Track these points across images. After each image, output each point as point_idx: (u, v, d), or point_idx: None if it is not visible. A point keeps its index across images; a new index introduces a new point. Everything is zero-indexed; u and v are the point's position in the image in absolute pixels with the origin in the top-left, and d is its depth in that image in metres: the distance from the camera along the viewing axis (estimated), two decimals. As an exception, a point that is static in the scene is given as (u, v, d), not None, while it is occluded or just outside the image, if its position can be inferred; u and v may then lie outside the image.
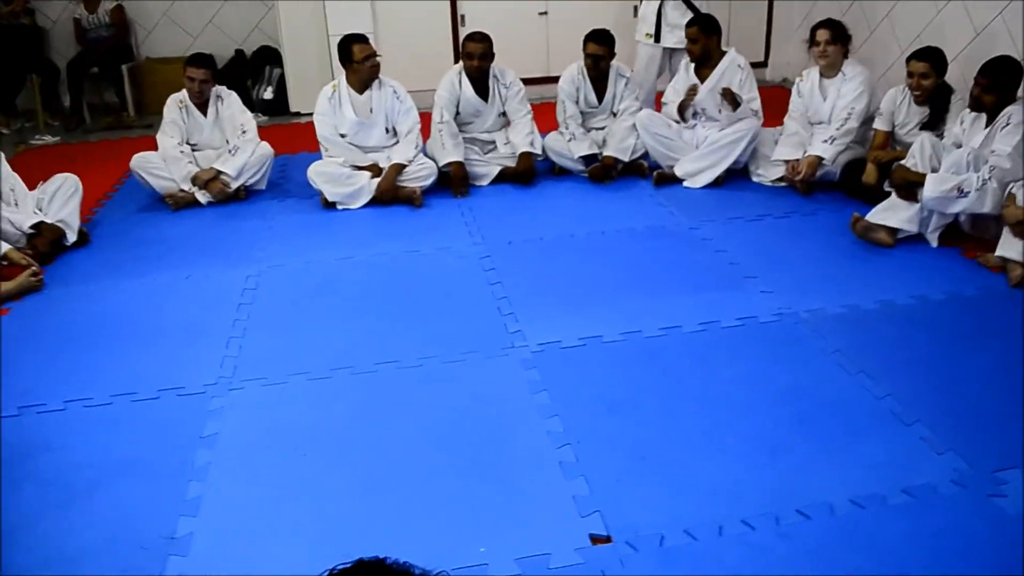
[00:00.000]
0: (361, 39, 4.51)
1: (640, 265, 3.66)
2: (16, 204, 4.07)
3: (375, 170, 4.57)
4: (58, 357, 3.17)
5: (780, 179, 4.41)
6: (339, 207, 4.53)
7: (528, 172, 4.69)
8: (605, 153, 4.67)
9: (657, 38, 5.18)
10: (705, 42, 4.45)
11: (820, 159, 4.19)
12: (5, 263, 3.75)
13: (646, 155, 4.73)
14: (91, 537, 2.20)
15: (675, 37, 5.07)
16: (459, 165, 4.62)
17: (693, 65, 4.58)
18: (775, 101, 5.18)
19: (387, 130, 4.64)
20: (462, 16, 6.35)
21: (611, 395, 2.71)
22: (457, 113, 4.74)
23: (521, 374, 2.86)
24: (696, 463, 2.36)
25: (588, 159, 4.70)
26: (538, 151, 4.70)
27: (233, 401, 2.82)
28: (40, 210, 4.11)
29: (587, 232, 4.03)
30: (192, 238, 4.27)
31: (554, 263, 3.74)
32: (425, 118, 4.72)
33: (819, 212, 4.09)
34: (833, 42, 4.17)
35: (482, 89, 4.72)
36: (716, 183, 4.49)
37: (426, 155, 4.71)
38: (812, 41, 4.24)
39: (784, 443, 2.42)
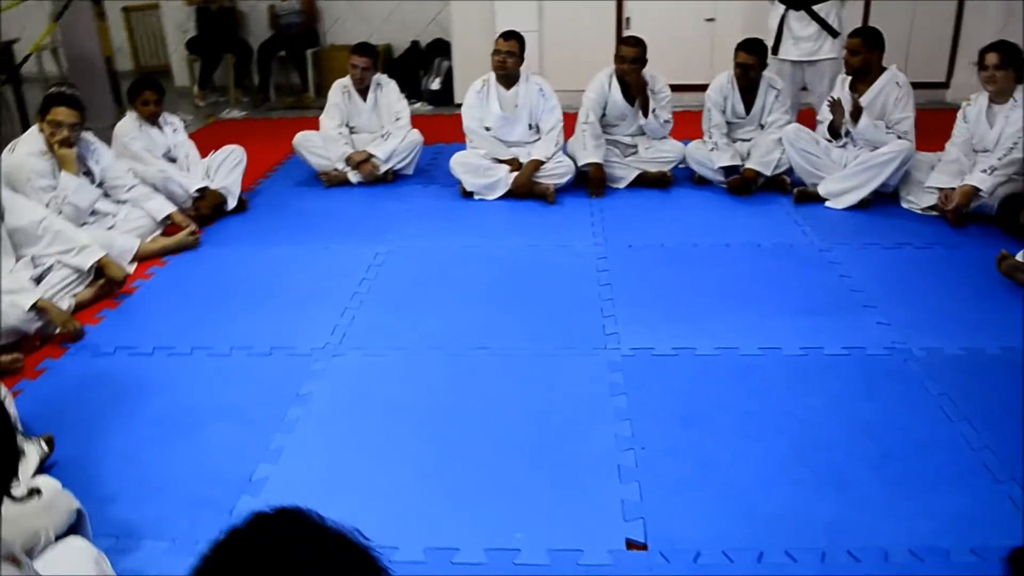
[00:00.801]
0: (504, 35, 4.64)
1: (756, 282, 3.55)
2: (188, 169, 4.52)
3: (515, 164, 4.70)
4: (196, 308, 3.52)
5: (931, 207, 4.11)
6: (476, 197, 4.69)
7: (663, 178, 4.65)
8: (747, 165, 4.55)
9: (775, 50, 4.97)
10: (866, 55, 4.22)
11: (976, 190, 3.88)
12: (169, 222, 4.18)
13: (791, 170, 4.55)
14: (179, 471, 2.45)
15: (798, 50, 4.88)
16: (598, 167, 4.66)
17: (849, 79, 4.36)
18: (951, 126, 4.82)
19: (530, 126, 4.75)
20: (627, 19, 6.35)
21: (689, 407, 2.67)
22: (603, 115, 4.77)
23: (605, 375, 2.87)
24: (755, 487, 2.28)
25: (729, 170, 4.59)
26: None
27: (333, 366, 3.02)
28: (208, 176, 4.54)
29: (711, 243, 3.95)
30: (337, 214, 4.57)
31: (669, 271, 3.70)
32: (572, 118, 4.79)
33: (965, 246, 3.79)
34: (1003, 66, 3.83)
35: (630, 93, 4.72)
36: (860, 205, 4.26)
37: (566, 154, 4.79)
38: (980, 64, 3.93)
39: (856, 479, 2.29)
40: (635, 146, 4.83)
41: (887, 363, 2.89)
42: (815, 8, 4.91)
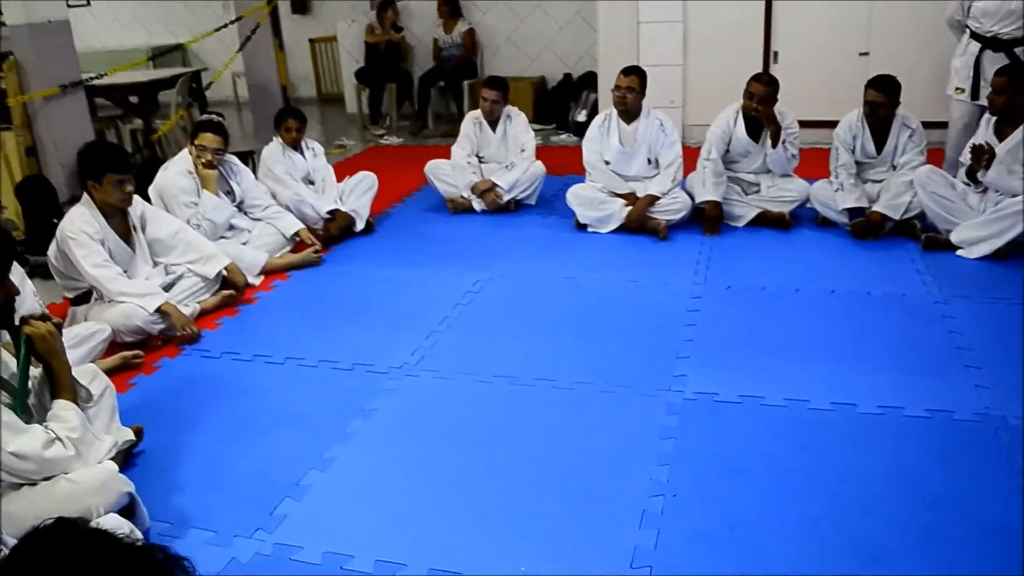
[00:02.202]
0: (624, 70, 4.67)
1: (853, 332, 3.35)
2: (324, 192, 4.88)
3: (631, 199, 4.69)
4: (302, 321, 3.79)
5: (1080, 264, 3.70)
6: (590, 229, 4.73)
7: (783, 218, 4.48)
8: (873, 208, 4.29)
9: (975, 95, 4.60)
10: (1010, 96, 3.88)
11: None
12: (298, 239, 4.53)
13: (924, 215, 4.24)
14: (239, 469, 2.67)
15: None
16: (715, 204, 4.56)
17: (994, 121, 4.02)
18: None
19: (649, 161, 4.73)
20: (775, 53, 6.17)
21: (735, 459, 2.57)
22: (727, 151, 4.67)
23: (660, 418, 2.82)
24: (780, 549, 2.17)
25: (854, 212, 4.35)
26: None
27: (404, 385, 3.16)
28: (340, 200, 4.87)
29: (816, 289, 3.77)
30: (453, 240, 4.76)
31: (762, 314, 3.57)
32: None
33: (1106, 311, 3.38)
34: None
35: (756, 130, 4.59)
36: (996, 256, 3.90)
37: (684, 190, 4.72)
38: None
39: (893, 556, 2.12)
40: (757, 184, 4.68)
41: (974, 431, 2.64)
42: (1017, 51, 4.51)
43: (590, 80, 7.36)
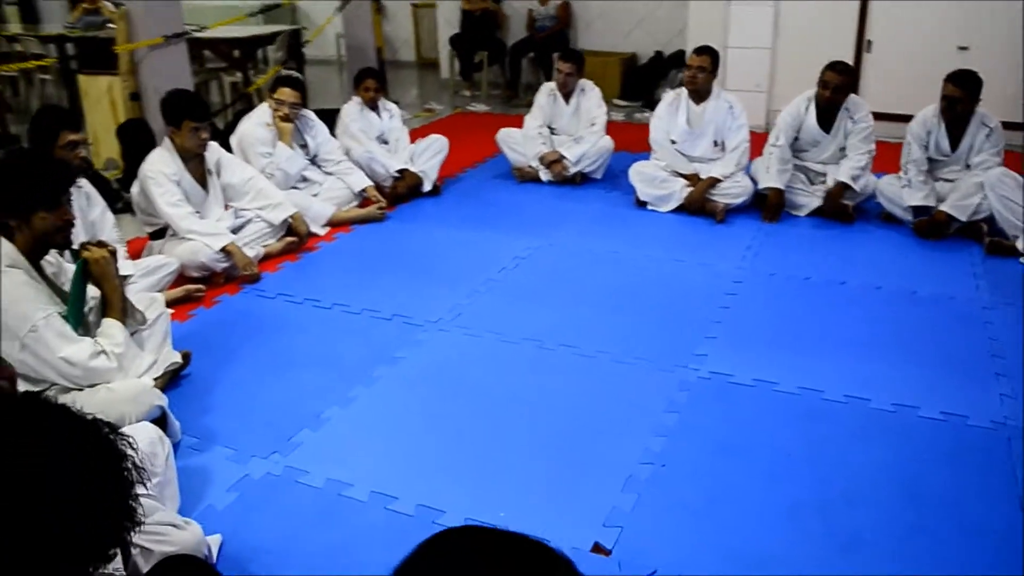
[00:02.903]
0: (696, 50, 4.65)
1: (886, 329, 3.30)
2: (396, 151, 5.07)
3: (694, 179, 4.69)
4: (357, 271, 4.01)
5: None
6: (648, 207, 4.76)
7: (836, 203, 4.39)
8: (939, 207, 4.16)
9: None
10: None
11: None
12: (365, 195, 4.74)
13: (993, 219, 4.09)
14: (269, 398, 2.89)
15: None
16: (777, 192, 4.52)
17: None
18: None
19: (715, 143, 4.71)
20: (869, 42, 5.97)
21: (733, 439, 2.61)
22: (796, 139, 4.60)
23: (670, 393, 2.88)
24: (755, 529, 2.22)
25: (920, 210, 4.23)
26: (857, 188, 4.37)
27: (435, 338, 3.32)
28: (410, 160, 5.05)
29: (861, 283, 3.71)
30: (515, 207, 4.88)
31: (800, 304, 3.55)
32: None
33: None
34: None
35: (828, 119, 4.51)
36: (1061, 267, 3.75)
37: (748, 175, 4.69)
38: None
39: (871, 545, 2.14)
40: (824, 175, 4.60)
41: (983, 438, 2.59)
42: None
43: (679, 59, 7.29)
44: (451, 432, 2.69)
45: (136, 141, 5.23)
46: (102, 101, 5.58)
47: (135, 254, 3.91)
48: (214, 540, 2.17)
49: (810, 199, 4.55)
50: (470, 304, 3.61)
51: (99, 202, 3.56)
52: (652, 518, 2.27)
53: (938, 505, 2.30)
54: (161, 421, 2.56)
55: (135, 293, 3.37)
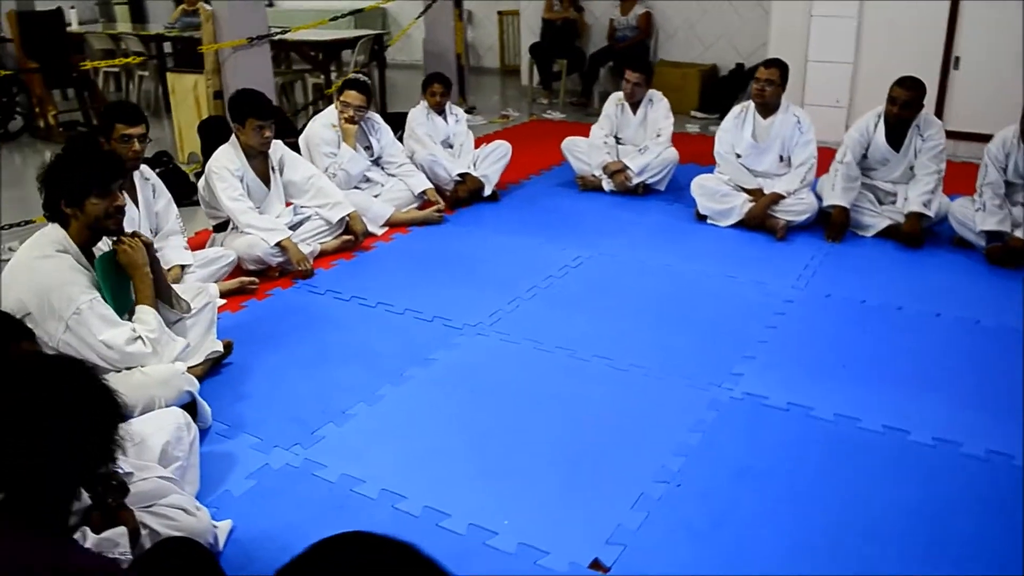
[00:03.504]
0: (765, 62, 4.54)
1: (939, 359, 3.13)
2: (460, 156, 5.13)
3: (757, 195, 4.58)
4: (407, 272, 4.07)
5: None
6: (709, 221, 4.67)
7: (914, 235, 4.21)
8: (1015, 233, 3.94)
9: None
10: None
11: None
12: (425, 197, 4.80)
13: (1075, 249, 3.85)
14: (300, 391, 2.97)
15: None
16: (842, 210, 4.36)
17: None
18: None
19: (780, 158, 4.58)
20: (956, 58, 5.70)
21: (756, 463, 2.53)
22: (864, 157, 4.44)
23: (698, 411, 2.82)
24: (761, 558, 2.14)
25: (992, 235, 4.01)
26: (931, 213, 4.18)
27: (471, 342, 3.34)
28: (473, 165, 5.10)
29: (920, 310, 3.54)
30: (573, 216, 4.86)
31: (851, 328, 3.42)
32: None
33: None
34: None
35: (897, 137, 4.33)
36: None
37: (814, 191, 4.55)
38: None
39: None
40: (894, 194, 4.42)
41: (1027, 480, 2.44)
42: None
43: (761, 72, 7.12)
44: (470, 436, 2.70)
45: (215, 138, 5.42)
46: (188, 98, 5.84)
47: (200, 245, 4.07)
48: (224, 526, 2.24)
49: (877, 219, 4.38)
50: (511, 310, 3.61)
51: (164, 194, 3.73)
52: (657, 539, 2.22)
53: (962, 551, 2.17)
54: (192, 406, 2.66)
55: (190, 282, 3.53)
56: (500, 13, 9.68)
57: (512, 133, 6.96)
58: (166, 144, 6.07)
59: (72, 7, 7.96)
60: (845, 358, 3.16)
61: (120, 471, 2.04)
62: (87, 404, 1.39)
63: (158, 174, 4.92)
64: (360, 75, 4.77)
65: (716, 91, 7.52)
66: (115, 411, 1.45)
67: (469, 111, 7.66)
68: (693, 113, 7.36)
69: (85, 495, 1.96)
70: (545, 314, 3.58)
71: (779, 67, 4.49)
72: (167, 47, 7.87)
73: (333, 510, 2.35)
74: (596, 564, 2.14)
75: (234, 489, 2.45)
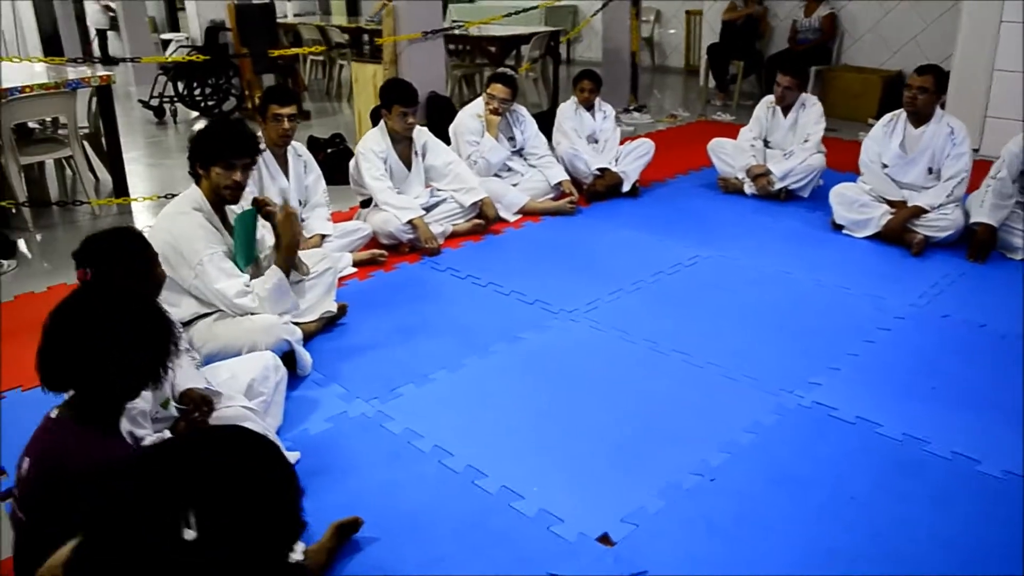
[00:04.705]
0: (918, 69, 4.32)
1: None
2: (603, 151, 5.27)
3: (900, 207, 4.37)
4: (525, 257, 4.31)
5: None
6: (844, 231, 4.52)
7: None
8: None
9: None
10: None
11: None
12: (560, 189, 4.99)
13: None
14: (395, 353, 3.29)
15: None
16: (987, 228, 4.08)
17: None
18: None
19: (930, 170, 4.34)
20: None
21: (799, 471, 2.51)
22: (1022, 172, 4.12)
23: (760, 414, 2.82)
24: (765, 564, 2.18)
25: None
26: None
27: (562, 325, 3.51)
28: (615, 161, 5.22)
29: (1047, 340, 3.29)
30: (705, 217, 4.87)
31: (958, 351, 3.22)
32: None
33: None
34: None
35: (1065, 153, 3.99)
36: None
37: (963, 207, 4.28)
38: None
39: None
40: (1056, 217, 4.06)
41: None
42: None
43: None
44: (530, 410, 2.88)
45: (385, 123, 5.95)
46: (368, 86, 6.37)
47: (349, 219, 4.51)
48: (292, 456, 2.57)
49: (1032, 242, 4.05)
50: (610, 300, 3.74)
51: (315, 169, 4.18)
52: (671, 525, 2.30)
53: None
54: (291, 355, 3.04)
55: (329, 251, 3.93)
56: (688, 13, 9.63)
57: (675, 133, 6.98)
58: (347, 128, 6.66)
59: (289, 0, 8.86)
60: (937, 381, 3.02)
61: (210, 389, 2.42)
62: (143, 331, 1.69)
63: (329, 153, 5.49)
64: (507, 70, 5.02)
65: (899, 98, 7.08)
66: (167, 340, 1.74)
67: (639, 109, 7.75)
68: (870, 120, 6.99)
69: (174, 408, 2.36)
70: (641, 308, 3.67)
71: (933, 74, 4.25)
72: (365, 38, 8.56)
73: (387, 457, 2.62)
74: (604, 538, 2.26)
75: (311, 428, 2.78)
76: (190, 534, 0.92)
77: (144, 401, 2.10)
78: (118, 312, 1.67)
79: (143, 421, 2.13)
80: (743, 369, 3.12)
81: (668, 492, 2.43)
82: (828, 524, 2.30)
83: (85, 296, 1.72)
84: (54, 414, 1.68)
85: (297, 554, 2.02)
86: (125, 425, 1.88)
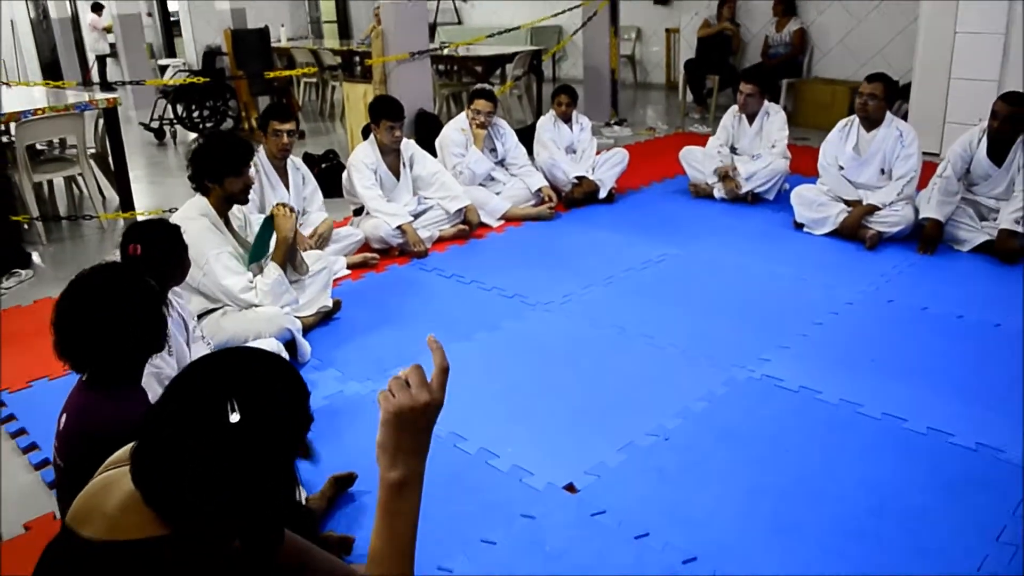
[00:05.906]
0: (868, 77, 4.66)
1: (981, 366, 3.19)
2: (580, 161, 5.61)
3: (856, 206, 4.70)
4: (509, 258, 4.63)
5: None
6: (804, 229, 4.85)
7: (1006, 251, 4.18)
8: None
9: None
10: None
11: None
12: (541, 196, 5.33)
13: None
14: (381, 341, 3.59)
15: None
16: (935, 224, 4.41)
17: None
18: None
19: (882, 171, 4.68)
20: (1109, 76, 5.43)
21: (743, 429, 2.82)
22: (967, 172, 4.46)
23: (712, 386, 3.13)
24: (708, 501, 2.48)
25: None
26: (1021, 230, 4.14)
27: (537, 316, 3.83)
28: (592, 170, 5.56)
29: (980, 320, 3.59)
30: (675, 219, 5.20)
31: (900, 331, 3.54)
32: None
33: None
34: None
35: (1000, 153, 4.33)
36: None
37: (914, 204, 4.61)
38: None
39: (815, 537, 2.33)
40: (997, 210, 4.39)
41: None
42: None
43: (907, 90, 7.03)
44: (505, 384, 3.19)
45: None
46: (359, 105, 6.72)
47: (341, 226, 4.83)
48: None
49: (974, 234, 4.38)
50: (583, 294, 4.06)
51: (312, 182, 4.51)
52: (628, 475, 2.61)
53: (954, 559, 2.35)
54: (293, 344, 3.35)
55: (325, 253, 4.24)
56: (667, 31, 10.02)
57: (652, 144, 7.33)
58: (340, 145, 7.00)
59: (283, 25, 9.23)
60: (876, 354, 3.33)
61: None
62: (139, 301, 1.92)
63: (324, 168, 5.81)
64: (487, 86, 5.37)
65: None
66: (158, 307, 1.97)
67: (619, 123, 8.11)
68: (839, 129, 7.36)
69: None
70: (611, 299, 3.99)
71: (882, 82, 4.60)
72: (357, 60, 8.93)
73: (374, 428, 2.92)
74: (569, 487, 2.56)
75: (311, 404, 3.08)
76: (235, 417, 1.09)
77: (170, 368, 2.40)
78: (116, 286, 1.93)
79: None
80: (701, 349, 3.44)
81: (627, 449, 2.74)
82: (763, 470, 2.61)
83: (87, 278, 1.99)
84: (85, 377, 1.97)
85: (300, 499, 2.32)
86: (156, 388, 2.17)
